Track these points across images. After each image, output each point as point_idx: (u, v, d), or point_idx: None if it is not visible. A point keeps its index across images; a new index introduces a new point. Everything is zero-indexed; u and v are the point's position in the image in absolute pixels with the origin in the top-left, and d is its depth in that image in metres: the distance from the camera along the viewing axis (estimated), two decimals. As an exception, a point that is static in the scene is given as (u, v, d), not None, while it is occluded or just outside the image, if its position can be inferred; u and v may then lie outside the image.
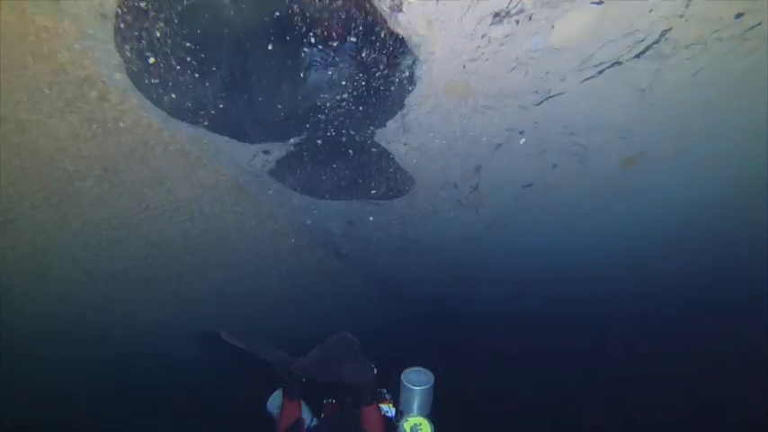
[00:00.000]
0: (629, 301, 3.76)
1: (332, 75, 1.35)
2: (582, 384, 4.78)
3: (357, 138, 1.62)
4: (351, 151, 1.71)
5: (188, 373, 3.31)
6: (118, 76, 1.37)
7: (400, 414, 1.93)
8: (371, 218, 2.36)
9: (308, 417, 2.13)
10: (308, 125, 1.55)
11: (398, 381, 1.98)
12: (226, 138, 1.70)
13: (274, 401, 2.17)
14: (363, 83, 1.38)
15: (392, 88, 1.41)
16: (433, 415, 1.88)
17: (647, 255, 2.85)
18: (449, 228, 2.54)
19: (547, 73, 1.34)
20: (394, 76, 1.37)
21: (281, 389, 2.16)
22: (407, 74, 1.36)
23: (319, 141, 1.66)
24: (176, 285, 2.52)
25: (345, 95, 1.42)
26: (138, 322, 2.71)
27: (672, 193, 2.08)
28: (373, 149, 1.71)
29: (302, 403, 2.10)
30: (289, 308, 3.20)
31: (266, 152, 1.78)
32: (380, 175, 1.92)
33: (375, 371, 1.94)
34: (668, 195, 2.10)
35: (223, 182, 1.99)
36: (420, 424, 1.77)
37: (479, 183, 2.03)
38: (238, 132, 1.68)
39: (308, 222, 2.37)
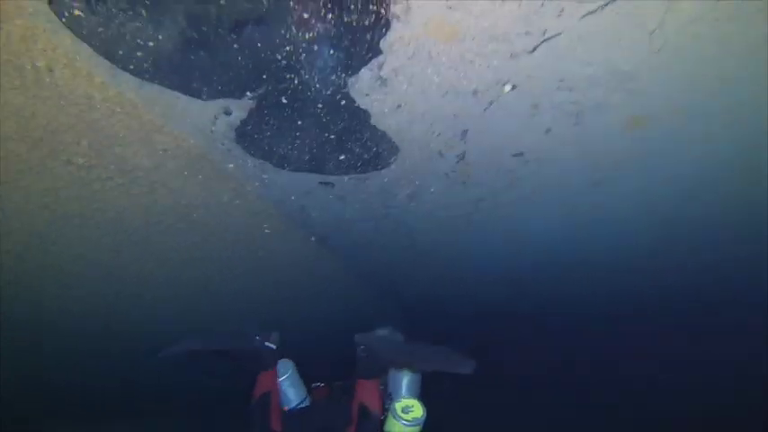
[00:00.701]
0: (637, 292, 3.60)
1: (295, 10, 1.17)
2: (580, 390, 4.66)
3: (325, 91, 1.43)
4: (320, 109, 1.52)
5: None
6: (43, 8, 1.17)
7: (389, 397, 1.85)
8: (350, 194, 2.18)
9: (297, 394, 2.02)
10: (267, 76, 1.36)
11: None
12: (183, 96, 1.50)
13: None
14: (331, 18, 1.19)
15: (366, 26, 1.22)
16: (424, 397, 1.79)
17: (656, 237, 2.67)
18: (435, 207, 2.37)
19: (542, 5, 1.17)
20: (368, 11, 1.18)
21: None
22: (383, 8, 1.18)
23: (283, 98, 1.47)
24: (139, 268, 2.33)
25: (309, 35, 1.24)
26: (100, 311, 2.51)
27: (683, 157, 1.89)
28: (344, 106, 1.52)
29: (280, 378, 1.99)
30: (267, 293, 3.01)
31: (228, 113, 1.59)
32: (356, 142, 1.73)
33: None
34: (680, 160, 1.92)
35: (185, 149, 1.80)
36: (411, 405, 1.69)
37: (466, 151, 1.85)
38: (196, 89, 1.48)
39: (281, 198, 2.18)
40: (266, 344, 1.94)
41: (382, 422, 1.78)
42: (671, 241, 2.74)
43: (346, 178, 2.02)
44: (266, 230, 2.44)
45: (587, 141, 1.79)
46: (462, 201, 2.30)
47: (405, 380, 1.85)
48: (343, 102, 1.51)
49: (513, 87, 1.48)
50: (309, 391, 2.11)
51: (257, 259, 2.67)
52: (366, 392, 1.86)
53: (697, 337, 3.81)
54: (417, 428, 1.67)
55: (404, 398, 1.74)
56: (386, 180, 2.06)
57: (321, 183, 2.06)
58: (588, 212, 2.44)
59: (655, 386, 4.49)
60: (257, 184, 2.06)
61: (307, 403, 2.04)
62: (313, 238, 2.70)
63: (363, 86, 1.45)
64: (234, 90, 1.45)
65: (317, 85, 1.42)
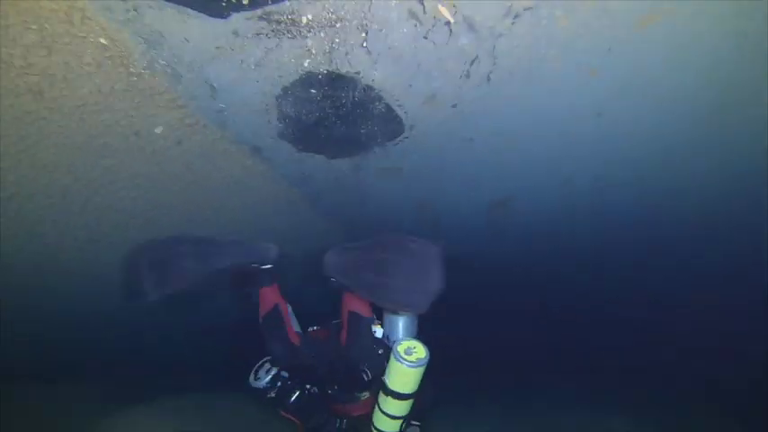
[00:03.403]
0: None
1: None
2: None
3: None
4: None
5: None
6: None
7: (386, 337, 1.82)
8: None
9: (292, 317, 1.98)
10: None
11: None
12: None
13: (261, 372, 1.95)
14: None
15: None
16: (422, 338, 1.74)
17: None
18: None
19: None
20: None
21: (263, 361, 1.97)
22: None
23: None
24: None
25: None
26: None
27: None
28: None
29: (285, 302, 1.96)
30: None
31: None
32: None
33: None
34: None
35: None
36: (414, 347, 1.64)
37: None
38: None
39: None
40: (263, 265, 1.85)
41: (372, 328, 1.79)
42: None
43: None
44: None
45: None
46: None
47: (401, 321, 1.83)
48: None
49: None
50: (307, 333, 2.05)
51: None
52: (353, 301, 1.85)
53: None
54: (421, 369, 1.62)
55: (407, 340, 1.70)
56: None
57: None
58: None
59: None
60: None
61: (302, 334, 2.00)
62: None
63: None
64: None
65: None
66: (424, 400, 1.77)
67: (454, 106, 1.84)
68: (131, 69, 1.60)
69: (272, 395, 1.88)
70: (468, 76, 1.68)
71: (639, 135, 2.17)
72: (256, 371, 1.93)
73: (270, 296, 1.89)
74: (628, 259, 3.55)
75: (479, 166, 2.40)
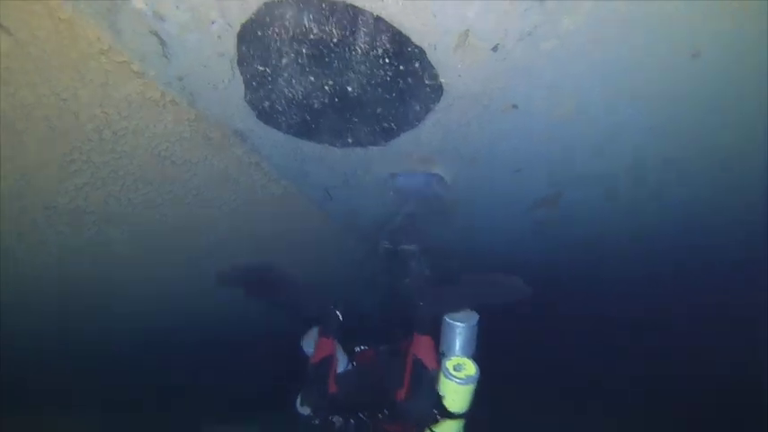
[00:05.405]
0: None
1: None
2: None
3: None
4: None
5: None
6: None
7: (442, 354, 1.80)
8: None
9: (342, 360, 2.07)
10: None
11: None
12: None
13: (309, 340, 2.09)
14: None
15: None
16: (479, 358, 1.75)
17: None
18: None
19: None
20: None
21: (316, 327, 2.09)
22: None
23: None
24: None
25: None
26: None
27: None
28: None
29: (336, 344, 2.03)
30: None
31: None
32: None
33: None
34: None
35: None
36: (463, 363, 1.66)
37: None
38: None
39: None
40: (337, 314, 1.98)
41: (436, 380, 1.72)
42: None
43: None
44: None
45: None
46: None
47: (458, 339, 1.80)
48: None
49: None
50: (354, 354, 2.14)
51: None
52: (421, 347, 1.82)
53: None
54: (471, 387, 1.63)
55: (456, 356, 1.71)
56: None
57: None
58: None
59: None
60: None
61: (350, 366, 2.10)
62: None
63: None
64: None
65: None
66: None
67: (494, 49, 1.32)
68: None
69: (317, 422, 1.91)
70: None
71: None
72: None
73: (326, 347, 1.95)
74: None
75: (525, 147, 1.87)
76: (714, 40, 1.40)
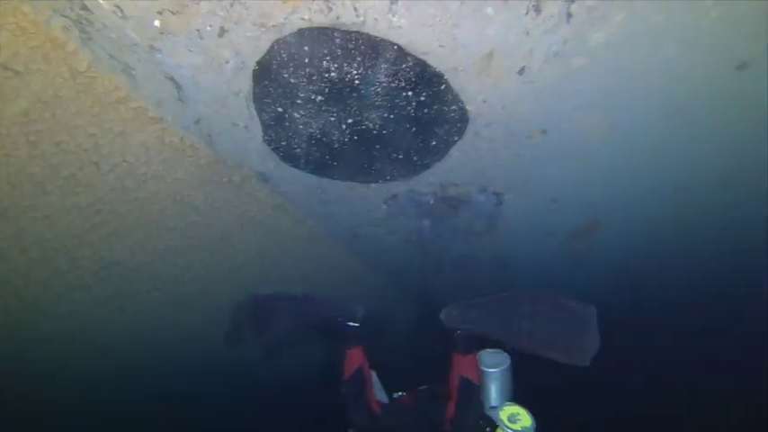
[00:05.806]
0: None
1: None
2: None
3: None
4: None
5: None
6: None
7: (484, 406, 1.69)
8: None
9: (376, 383, 1.96)
10: None
11: None
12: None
13: None
14: None
15: None
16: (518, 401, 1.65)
17: None
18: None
19: None
20: None
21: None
22: None
23: None
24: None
25: None
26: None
27: None
28: None
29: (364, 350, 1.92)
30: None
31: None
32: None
33: None
34: None
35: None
36: (518, 413, 1.57)
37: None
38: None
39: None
40: (349, 323, 1.86)
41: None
42: None
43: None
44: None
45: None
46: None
47: (495, 384, 1.69)
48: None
49: None
50: (394, 401, 2.00)
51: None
52: (465, 366, 1.73)
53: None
54: None
55: (509, 405, 1.61)
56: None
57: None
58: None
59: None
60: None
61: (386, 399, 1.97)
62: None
63: None
64: None
65: None
66: None
67: (521, 72, 1.25)
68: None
69: None
70: (537, 10, 1.09)
71: None
72: None
73: (354, 358, 1.85)
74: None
75: (556, 173, 1.76)
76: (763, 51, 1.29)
